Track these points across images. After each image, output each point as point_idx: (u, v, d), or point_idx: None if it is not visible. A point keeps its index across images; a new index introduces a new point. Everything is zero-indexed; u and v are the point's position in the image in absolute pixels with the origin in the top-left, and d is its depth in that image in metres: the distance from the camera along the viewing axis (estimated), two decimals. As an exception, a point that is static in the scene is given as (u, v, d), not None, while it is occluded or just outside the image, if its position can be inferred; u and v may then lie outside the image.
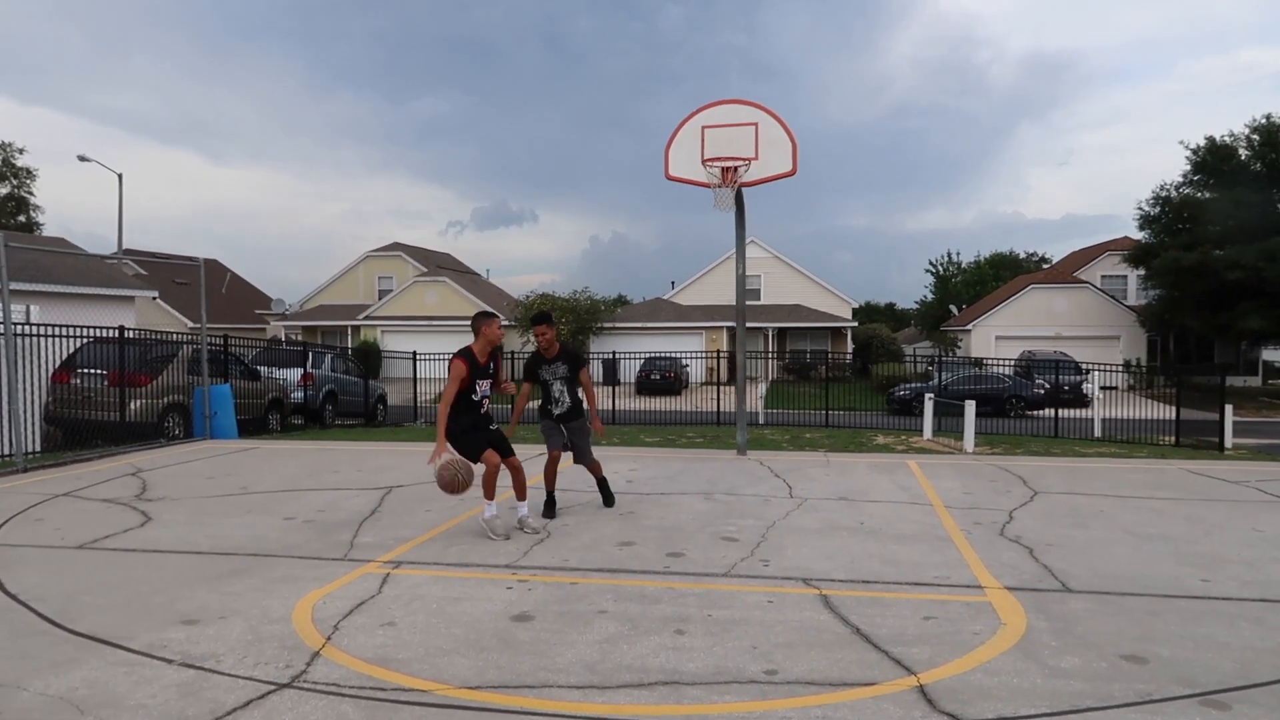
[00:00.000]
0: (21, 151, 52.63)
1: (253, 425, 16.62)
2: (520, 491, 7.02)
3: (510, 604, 5.11)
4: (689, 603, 5.13)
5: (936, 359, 28.79)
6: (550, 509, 7.52)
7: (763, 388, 27.06)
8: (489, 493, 6.76)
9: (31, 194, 53.54)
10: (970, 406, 14.61)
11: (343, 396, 21.49)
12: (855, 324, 45.47)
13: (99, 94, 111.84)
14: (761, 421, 21.67)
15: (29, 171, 53.16)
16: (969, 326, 42.01)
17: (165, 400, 14.58)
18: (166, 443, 13.29)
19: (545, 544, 6.56)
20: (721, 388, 22.54)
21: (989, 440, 15.76)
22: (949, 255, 66.21)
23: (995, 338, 40.33)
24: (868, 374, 38.22)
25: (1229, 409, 15.70)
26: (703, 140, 10.30)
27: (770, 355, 41.21)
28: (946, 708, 3.68)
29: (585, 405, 7.86)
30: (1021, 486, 9.14)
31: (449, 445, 6.60)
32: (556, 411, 7.72)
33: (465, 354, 6.83)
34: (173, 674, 4.06)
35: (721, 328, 41.03)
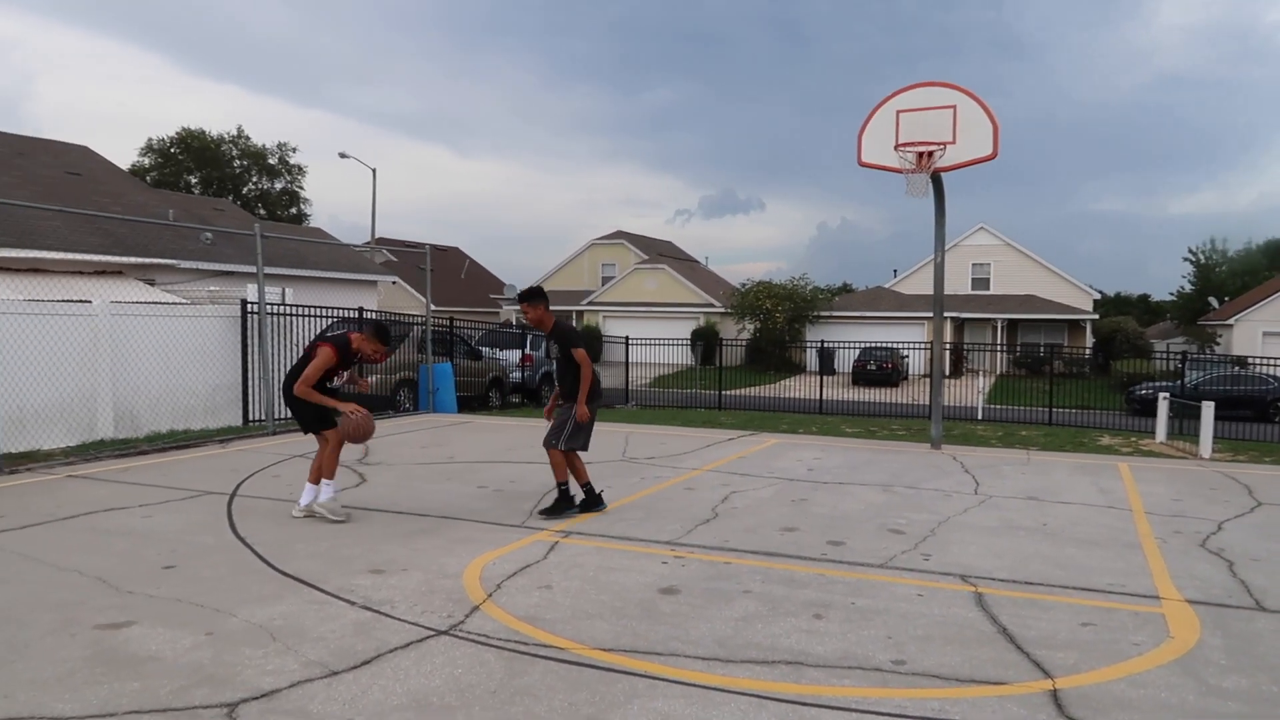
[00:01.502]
0: (294, 150, 58.92)
1: (474, 401, 17.89)
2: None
3: (661, 577, 5.34)
4: (835, 590, 5.15)
5: (1185, 355, 26.26)
6: (589, 501, 7.11)
7: (985, 381, 25.76)
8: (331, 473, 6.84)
9: (302, 188, 59.80)
10: (1208, 408, 13.30)
11: (558, 378, 22.55)
12: (1096, 316, 42.18)
13: (363, 95, 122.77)
14: (979, 417, 20.69)
15: (300, 168, 59.46)
16: (1231, 321, 37.91)
17: (398, 376, 15.99)
18: (395, 414, 14.59)
19: (710, 524, 6.74)
20: (945, 381, 21.78)
21: (1234, 447, 14.30)
22: (1212, 242, 59.83)
23: (1262, 334, 36.16)
24: (1108, 371, 35.46)
25: None
26: (897, 125, 10.04)
27: (998, 348, 39.11)
28: (1075, 714, 3.54)
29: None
30: (1245, 496, 8.31)
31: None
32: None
33: (340, 344, 6.83)
34: (353, 614, 4.60)
35: (946, 318, 39.35)
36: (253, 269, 13.05)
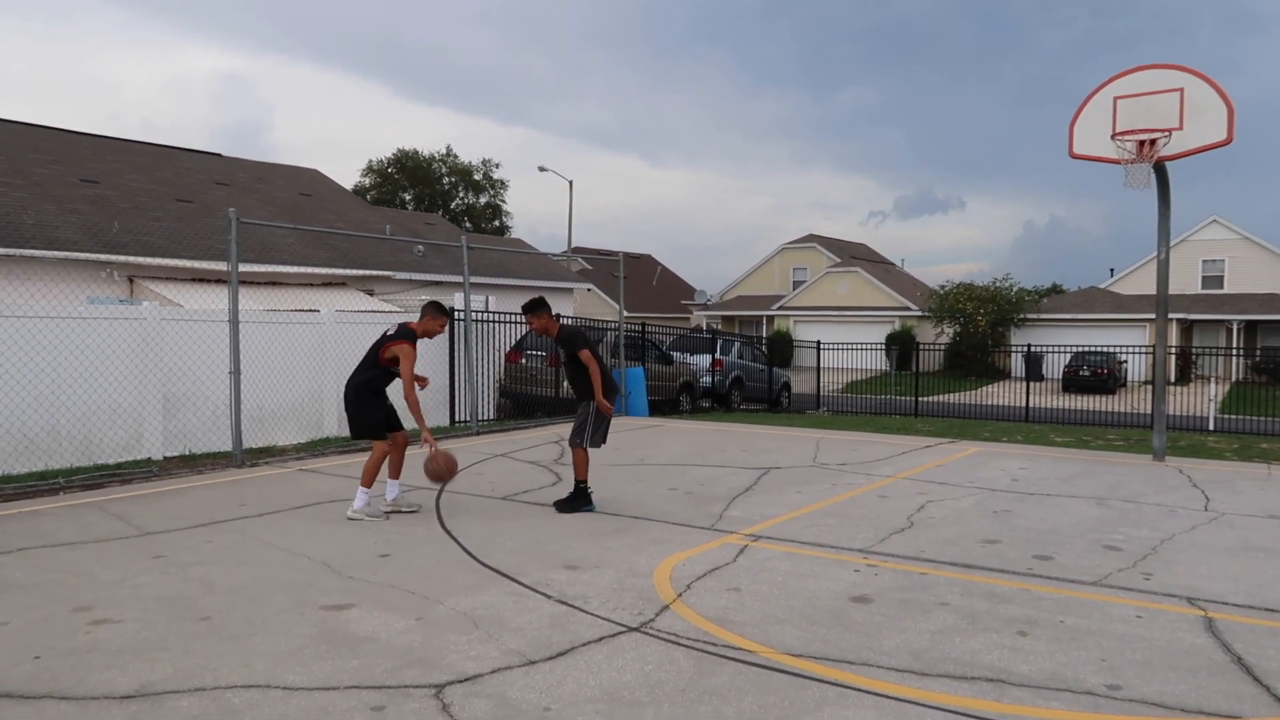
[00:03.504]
0: (497, 166, 61.95)
1: (665, 405, 18.13)
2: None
3: (853, 585, 5.21)
4: (1042, 606, 4.85)
5: None
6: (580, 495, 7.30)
7: (1217, 389, 23.53)
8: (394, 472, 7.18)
9: (504, 202, 62.77)
10: None
11: (748, 382, 22.52)
12: (1355, 316, 37.55)
13: (560, 110, 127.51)
14: (1210, 427, 18.91)
15: (503, 183, 62.45)
16: None
17: (592, 380, 16.44)
18: (589, 417, 15.00)
19: (905, 533, 6.52)
20: (1170, 388, 20.03)
21: None
22: None
23: None
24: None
25: None
26: (1114, 112, 9.34)
27: (1234, 352, 35.61)
28: (1326, 757, 3.17)
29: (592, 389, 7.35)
30: None
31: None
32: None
33: (411, 337, 7.13)
34: (549, 607, 4.77)
35: (1171, 320, 36.24)
36: (459, 278, 13.80)
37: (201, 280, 16.40)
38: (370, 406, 7.13)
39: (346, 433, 12.18)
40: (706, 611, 4.71)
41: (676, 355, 20.64)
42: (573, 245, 47.64)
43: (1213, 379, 26.56)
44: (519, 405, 16.19)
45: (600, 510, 7.24)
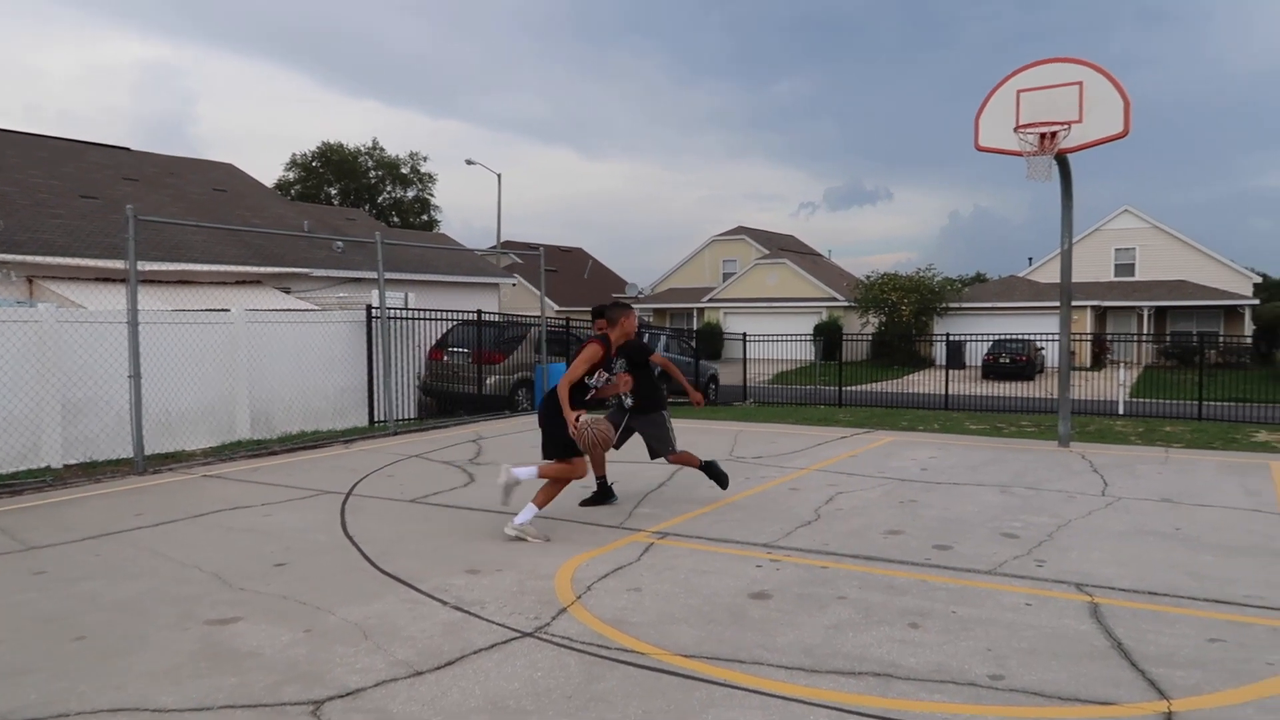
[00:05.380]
0: (425, 159, 61.09)
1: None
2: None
3: (754, 581, 5.21)
4: (936, 597, 4.91)
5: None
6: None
7: (1125, 373, 24.31)
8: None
9: (432, 195, 61.92)
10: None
11: (676, 375, 22.56)
12: (1256, 302, 39.20)
13: (492, 103, 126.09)
14: (1120, 411, 19.51)
15: (431, 176, 61.58)
16: None
17: (516, 376, 16.30)
18: (512, 414, 14.87)
19: (811, 526, 6.56)
20: (1083, 374, 20.67)
21: None
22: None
23: None
24: (1270, 360, 32.95)
25: None
26: (1017, 105, 9.52)
27: (1144, 338, 36.88)
28: (1191, 741, 3.25)
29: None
30: None
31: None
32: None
33: (604, 340, 6.63)
34: (444, 614, 4.67)
35: (1085, 307, 37.37)
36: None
37: (106, 280, 15.79)
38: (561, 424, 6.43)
39: (259, 435, 11.96)
40: (604, 613, 4.66)
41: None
42: (504, 239, 47.27)
43: (1124, 364, 27.47)
44: (442, 403, 15.97)
45: (510, 511, 7.13)
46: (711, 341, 37.59)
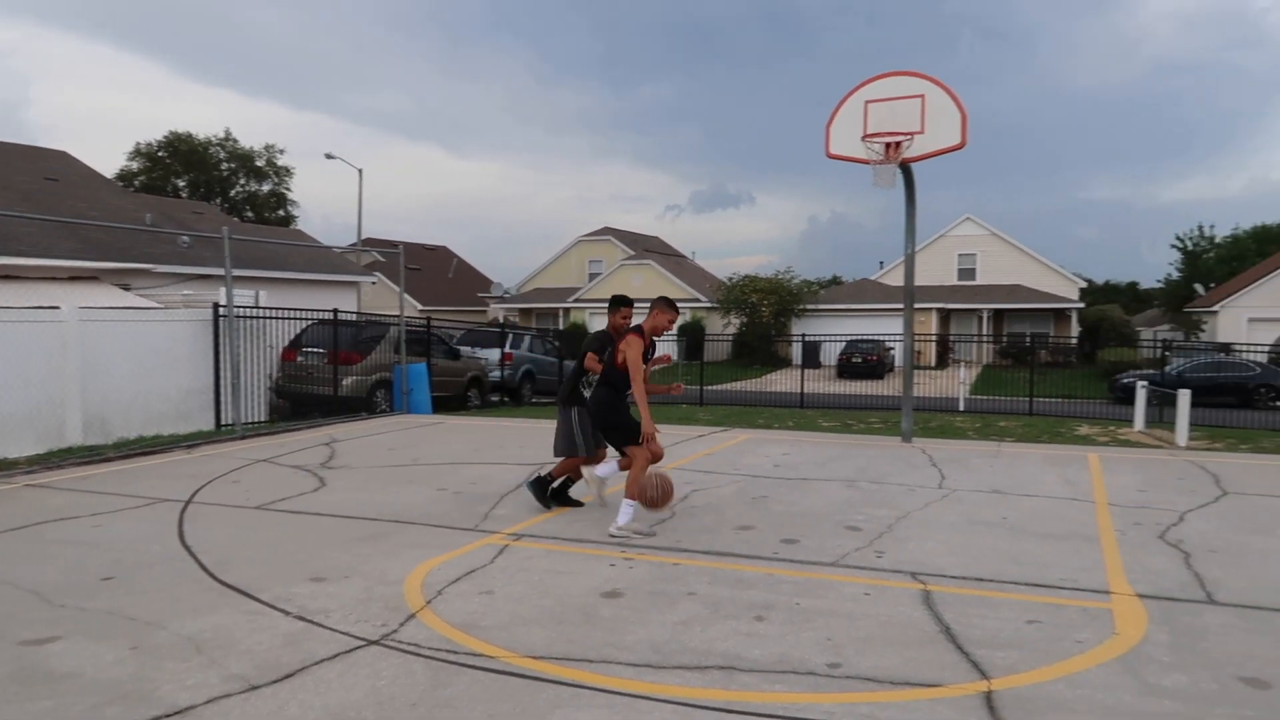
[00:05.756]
0: (282, 152, 58.65)
1: (453, 402, 17.78)
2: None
3: (607, 580, 5.25)
4: (782, 590, 5.07)
5: (1161, 342, 26.29)
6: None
7: (965, 372, 25.72)
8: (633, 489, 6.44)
9: (289, 190, 59.57)
10: (1184, 396, 13.27)
11: (540, 376, 22.48)
12: (1082, 305, 42.19)
13: (356, 96, 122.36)
14: (961, 408, 20.64)
15: (288, 170, 59.23)
16: (1216, 308, 37.91)
17: (374, 377, 15.87)
18: (368, 415, 14.48)
19: (666, 524, 6.65)
20: (928, 372, 21.73)
21: (1213, 434, 14.28)
22: (1200, 229, 59.83)
23: (1247, 320, 36.13)
24: (1093, 359, 35.51)
25: None
26: (865, 115, 9.94)
27: (984, 339, 39.10)
28: (1007, 716, 3.46)
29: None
30: (1212, 486, 8.25)
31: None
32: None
33: (639, 330, 6.64)
34: (285, 625, 4.51)
35: (930, 309, 39.32)
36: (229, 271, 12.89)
37: (-85, 274, 14.50)
38: (619, 411, 6.64)
39: (93, 441, 11.22)
40: (454, 618, 4.60)
41: (465, 350, 20.29)
42: (366, 237, 45.86)
43: (966, 363, 29.05)
44: (296, 406, 15.40)
45: (359, 515, 6.95)
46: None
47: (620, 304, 7.20)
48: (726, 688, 3.76)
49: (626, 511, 6.30)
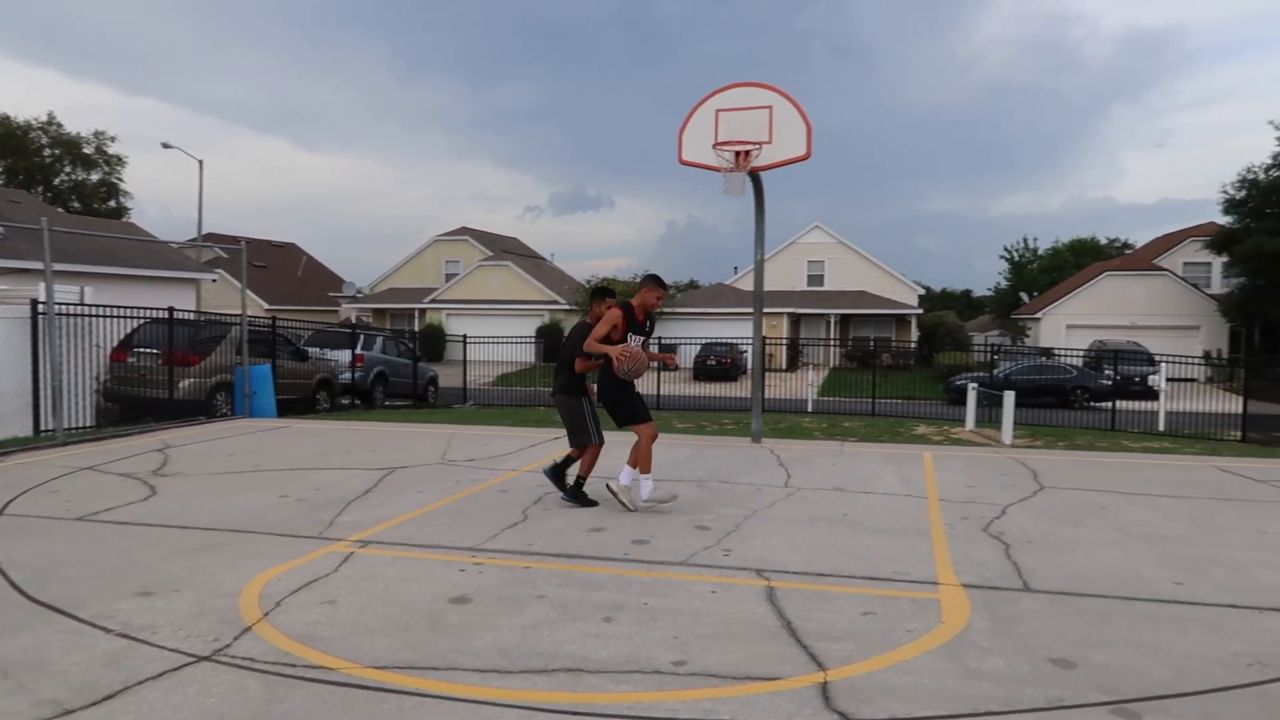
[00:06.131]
0: (113, 140, 54.97)
1: (300, 405, 17.12)
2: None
3: (455, 586, 5.17)
4: (631, 590, 5.13)
5: (992, 347, 28.05)
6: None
7: (814, 374, 26.70)
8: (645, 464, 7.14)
9: (121, 180, 55.91)
10: (1009, 397, 14.20)
11: (393, 378, 21.96)
12: (920, 311, 44.53)
13: (200, 84, 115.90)
14: (810, 410, 21.40)
15: (120, 159, 55.55)
16: (1039, 315, 40.79)
17: (214, 380, 15.10)
18: (206, 420, 13.77)
19: (518, 527, 6.62)
20: (779, 375, 22.44)
21: (1035, 432, 15.32)
22: (1025, 241, 64.29)
23: (1066, 326, 39.08)
24: (930, 362, 37.49)
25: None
26: (716, 124, 10.18)
27: (831, 342, 40.68)
28: (840, 706, 3.61)
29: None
30: (1031, 481, 8.86)
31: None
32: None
33: (624, 306, 7.12)
34: (106, 643, 4.23)
35: (782, 314, 40.62)
36: (54, 265, 11.99)
37: None
38: (624, 391, 7.22)
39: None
40: (293, 629, 4.43)
41: (314, 351, 19.58)
42: (209, 231, 43.56)
43: (814, 366, 30.15)
44: (127, 410, 14.48)
45: (194, 525, 6.61)
46: (433, 343, 36.95)
47: (604, 294, 7.56)
48: (574, 690, 3.77)
49: (646, 485, 7.09)
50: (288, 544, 6.10)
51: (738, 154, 10.08)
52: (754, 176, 10.57)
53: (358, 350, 20.64)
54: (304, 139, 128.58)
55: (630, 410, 7.23)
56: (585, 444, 7.43)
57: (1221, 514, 7.44)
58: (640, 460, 7.10)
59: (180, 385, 14.47)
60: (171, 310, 14.49)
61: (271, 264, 52.68)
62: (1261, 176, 33.83)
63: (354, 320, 41.95)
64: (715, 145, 10.14)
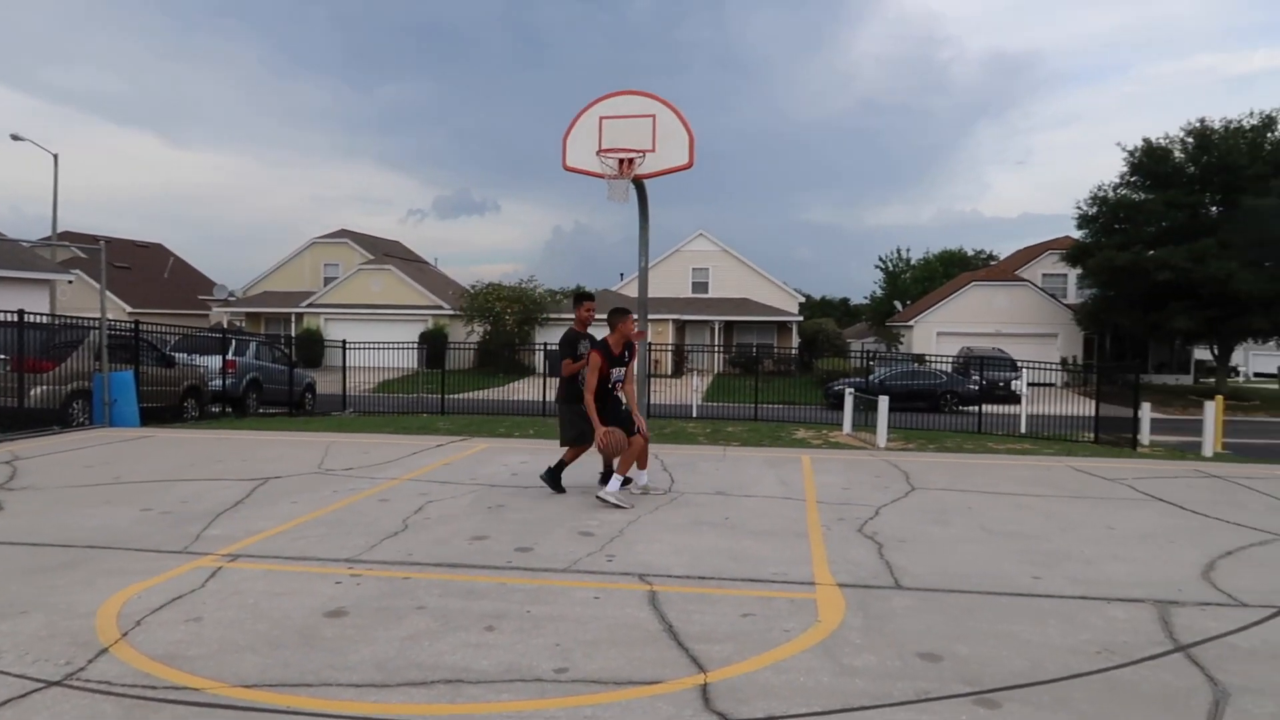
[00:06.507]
0: (-45, 129, 51.19)
1: (167, 413, 16.31)
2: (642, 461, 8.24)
3: (331, 599, 5.02)
4: (514, 598, 5.08)
5: (868, 353, 29.07)
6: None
7: (699, 380, 27.08)
8: (625, 468, 7.80)
9: (-35, 173, 52.14)
10: (883, 402, 14.73)
11: (267, 385, 21.17)
12: (801, 318, 45.75)
13: (55, 71, 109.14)
14: (695, 415, 21.67)
15: (-37, 150, 51.81)
16: (911, 322, 42.45)
17: (70, 387, 14.25)
18: (62, 430, 12.97)
19: (398, 537, 6.47)
20: (666, 380, 22.65)
21: (908, 435, 15.93)
22: (898, 251, 66.92)
23: (936, 334, 40.80)
24: (811, 368, 38.52)
25: (1146, 406, 16.04)
26: (600, 131, 10.22)
27: (716, 348, 41.33)
28: (719, 707, 3.67)
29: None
30: (903, 482, 9.21)
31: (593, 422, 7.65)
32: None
33: (601, 346, 7.75)
34: (-58, 672, 3.93)
35: (668, 320, 41.05)
36: None
37: None
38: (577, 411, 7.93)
39: None
40: (155, 650, 4.21)
41: (182, 357, 18.70)
42: (64, 230, 41.09)
43: (700, 372, 30.57)
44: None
45: (46, 542, 6.21)
46: (311, 349, 35.86)
47: (582, 299, 8.45)
48: (453, 701, 3.71)
49: (615, 484, 7.69)
50: (150, 560, 5.80)
51: (621, 161, 10.14)
52: (638, 184, 10.65)
53: (229, 356, 19.82)
54: (173, 134, 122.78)
55: (574, 429, 8.11)
56: (580, 442, 8.24)
57: (1075, 511, 7.90)
58: (623, 463, 7.82)
59: (31, 393, 13.59)
60: (21, 313, 13.59)
61: (136, 265, 50.09)
62: (1111, 194, 36.09)
63: (226, 325, 40.28)
64: (599, 152, 10.17)
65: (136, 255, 51.51)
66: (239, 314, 46.16)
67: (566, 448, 8.32)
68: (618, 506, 7.50)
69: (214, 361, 19.40)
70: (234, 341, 20.77)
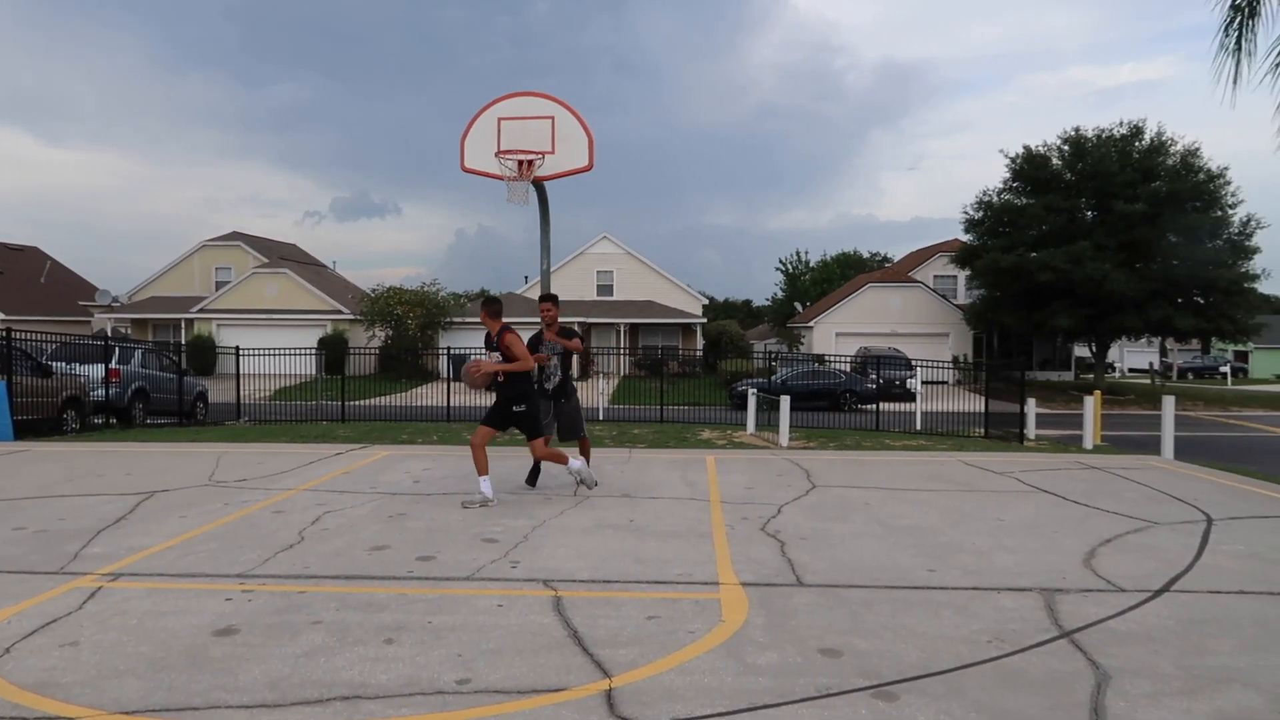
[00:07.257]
0: None
1: (44, 426, 15.45)
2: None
3: (220, 616, 4.81)
4: (414, 609, 4.96)
5: (769, 354, 29.56)
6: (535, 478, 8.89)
7: (605, 383, 27.09)
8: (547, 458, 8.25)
9: None
10: (785, 402, 14.98)
11: (155, 394, 20.27)
12: (705, 320, 46.23)
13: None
14: (601, 417, 21.62)
15: None
16: (812, 323, 43.37)
17: (-67, 400, 13.35)
18: (-75, 446, 12.15)
19: (294, 549, 6.26)
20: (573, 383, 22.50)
21: (809, 434, 16.22)
22: (798, 254, 68.25)
23: (835, 334, 41.77)
24: (715, 369, 38.95)
25: (1032, 402, 16.69)
26: (499, 132, 10.12)
27: (622, 351, 41.42)
28: (625, 712, 3.65)
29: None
30: (804, 480, 9.39)
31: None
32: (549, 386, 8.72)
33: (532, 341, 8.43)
34: None
35: (573, 323, 40.91)
36: None
37: None
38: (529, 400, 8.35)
39: None
40: (25, 678, 3.96)
41: (60, 366, 17.73)
42: (-77, 231, 38.63)
43: (606, 375, 30.58)
44: None
45: (-95, 567, 5.79)
46: (203, 356, 34.52)
47: (542, 300, 8.89)
48: (351, 718, 3.59)
49: (485, 484, 7.91)
50: (21, 582, 5.46)
51: (521, 163, 10.06)
52: (538, 186, 10.59)
53: (113, 364, 18.90)
54: (47, 131, 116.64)
55: (498, 415, 8.39)
56: (582, 435, 8.87)
57: (967, 504, 8.17)
58: (480, 467, 8.01)
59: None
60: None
61: (9, 270, 47.39)
62: (995, 199, 37.58)
63: (110, 332, 38.42)
64: (498, 154, 10.07)
65: (10, 259, 48.74)
66: (124, 320, 44.10)
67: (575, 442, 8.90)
68: (583, 482, 8.28)
69: (96, 370, 18.46)
70: (118, 349, 19.82)
